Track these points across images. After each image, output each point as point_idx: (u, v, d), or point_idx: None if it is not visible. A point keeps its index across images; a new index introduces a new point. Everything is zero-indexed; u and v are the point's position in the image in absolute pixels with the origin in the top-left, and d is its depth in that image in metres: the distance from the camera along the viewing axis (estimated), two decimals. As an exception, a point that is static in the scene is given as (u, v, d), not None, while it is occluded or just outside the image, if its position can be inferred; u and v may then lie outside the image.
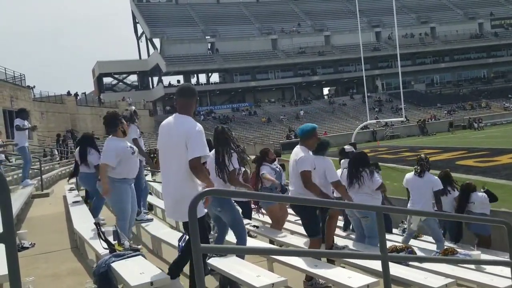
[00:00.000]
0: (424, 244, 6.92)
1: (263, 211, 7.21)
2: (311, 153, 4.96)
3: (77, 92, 40.33)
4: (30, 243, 5.55)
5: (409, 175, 6.87)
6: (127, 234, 4.95)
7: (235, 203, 4.75)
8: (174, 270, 3.68)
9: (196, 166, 3.34)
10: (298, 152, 4.85)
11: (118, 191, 4.89)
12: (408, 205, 6.81)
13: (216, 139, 4.61)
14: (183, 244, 3.91)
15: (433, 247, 6.59)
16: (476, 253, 5.80)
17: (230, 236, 5.06)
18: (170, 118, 3.61)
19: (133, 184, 5.15)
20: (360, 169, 5.91)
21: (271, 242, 6.14)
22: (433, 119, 50.93)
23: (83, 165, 6.53)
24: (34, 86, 31.98)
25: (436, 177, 6.76)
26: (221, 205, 4.47)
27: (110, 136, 5.03)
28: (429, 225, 6.57)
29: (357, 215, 6.01)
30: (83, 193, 8.60)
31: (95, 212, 6.48)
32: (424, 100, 58.68)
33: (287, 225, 7.03)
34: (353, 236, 6.57)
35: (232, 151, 4.62)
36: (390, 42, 61.02)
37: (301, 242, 5.55)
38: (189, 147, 3.34)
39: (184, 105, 3.55)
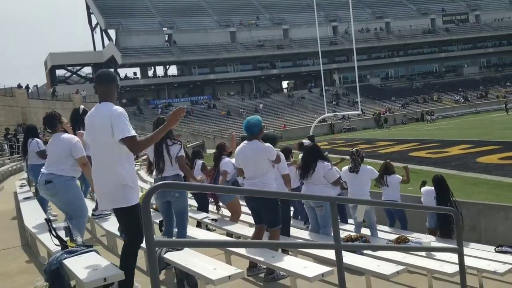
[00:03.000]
0: (379, 234, 7.12)
1: (221, 205, 7.20)
2: None
3: (28, 85, 38.70)
4: (-23, 241, 5.32)
5: (346, 169, 7.06)
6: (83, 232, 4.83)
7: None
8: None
9: (133, 146, 3.25)
10: (256, 144, 4.84)
11: (76, 188, 4.74)
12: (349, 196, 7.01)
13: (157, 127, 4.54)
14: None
15: (386, 236, 6.80)
16: (426, 241, 6.03)
17: (189, 231, 5.05)
18: (92, 110, 3.49)
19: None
20: (314, 161, 6.03)
21: (229, 235, 6.16)
22: (387, 112, 52.32)
23: (29, 156, 6.44)
24: (-19, 78, 30.49)
25: (369, 167, 7.03)
26: (180, 192, 4.54)
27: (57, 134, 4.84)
28: (369, 216, 6.80)
29: (311, 204, 6.14)
30: (34, 189, 8.31)
31: (42, 205, 6.27)
32: (379, 93, 60.16)
33: (243, 217, 7.06)
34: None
35: (175, 140, 4.78)
36: (346, 37, 62.07)
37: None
38: (115, 130, 3.22)
39: (104, 92, 3.43)
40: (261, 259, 4.34)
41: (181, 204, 4.80)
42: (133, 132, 3.24)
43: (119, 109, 3.31)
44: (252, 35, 62.26)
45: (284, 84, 68.08)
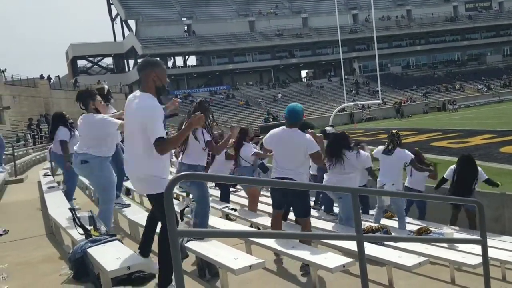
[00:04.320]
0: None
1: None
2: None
3: (49, 75, 39.29)
4: (3, 230, 5.46)
5: (379, 149, 6.92)
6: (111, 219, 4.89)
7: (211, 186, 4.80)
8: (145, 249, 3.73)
9: (162, 149, 3.19)
10: (297, 134, 4.72)
11: (110, 170, 4.75)
12: (378, 178, 6.88)
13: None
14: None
15: (408, 227, 6.73)
16: (449, 232, 5.95)
17: (211, 220, 5.08)
18: (131, 96, 3.43)
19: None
20: (342, 150, 5.91)
21: (251, 225, 6.18)
22: (409, 102, 51.59)
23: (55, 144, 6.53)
24: (5, 69, 31.10)
25: (405, 150, 6.83)
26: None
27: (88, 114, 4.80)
28: (396, 202, 6.68)
29: (332, 196, 6.07)
30: (58, 178, 8.46)
31: (68, 196, 6.39)
32: (400, 82, 59.31)
33: (263, 207, 7.06)
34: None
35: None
36: (367, 25, 61.22)
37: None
38: (148, 128, 3.17)
39: (141, 80, 3.35)
40: (281, 249, 4.34)
41: (196, 193, 4.79)
42: (162, 133, 3.17)
43: (152, 105, 3.23)
44: (271, 24, 61.92)
45: (303, 73, 67.73)
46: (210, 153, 5.93)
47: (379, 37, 47.43)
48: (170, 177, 3.36)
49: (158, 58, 3.50)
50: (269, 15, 63.51)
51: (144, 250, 3.89)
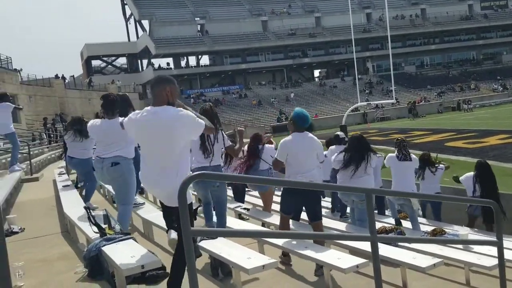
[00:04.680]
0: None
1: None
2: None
3: (63, 75, 39.75)
4: (19, 228, 5.52)
5: (393, 156, 6.88)
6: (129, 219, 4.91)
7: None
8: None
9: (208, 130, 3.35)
10: (313, 139, 4.86)
11: (134, 173, 4.78)
12: (392, 186, 6.86)
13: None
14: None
15: (422, 227, 6.67)
16: (464, 233, 5.89)
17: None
18: (145, 113, 3.31)
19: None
20: (367, 153, 5.88)
21: (263, 224, 6.18)
22: (423, 101, 51.13)
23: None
24: (21, 69, 31.49)
25: (414, 156, 6.96)
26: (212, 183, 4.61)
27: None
28: (408, 208, 6.68)
29: (354, 199, 5.99)
30: (73, 177, 8.55)
31: (87, 196, 6.47)
32: (414, 82, 58.81)
33: (275, 206, 7.06)
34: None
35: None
36: (380, 24, 60.80)
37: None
38: (191, 126, 3.20)
39: (154, 95, 3.31)
40: (294, 249, 4.34)
41: (220, 194, 4.85)
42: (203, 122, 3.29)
43: (179, 111, 3.23)
44: (284, 24, 61.84)
45: (316, 73, 67.50)
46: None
47: (393, 36, 47.12)
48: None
49: (171, 76, 3.50)
50: (282, 14, 63.42)
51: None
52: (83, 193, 6.72)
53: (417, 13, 65.42)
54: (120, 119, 4.69)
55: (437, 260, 4.22)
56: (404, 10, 65.41)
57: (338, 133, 7.84)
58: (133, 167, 4.79)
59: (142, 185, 3.93)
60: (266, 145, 6.96)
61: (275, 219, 5.97)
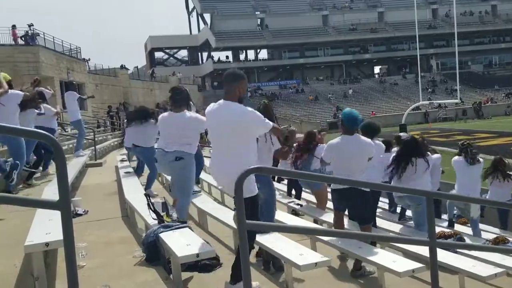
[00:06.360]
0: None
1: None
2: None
3: (125, 65, 41.12)
4: (83, 210, 5.79)
5: (459, 159, 6.61)
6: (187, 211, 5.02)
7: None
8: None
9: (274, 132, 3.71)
10: (366, 141, 4.71)
11: (193, 168, 4.88)
12: (456, 190, 6.60)
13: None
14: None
15: (484, 235, 6.39)
16: (529, 244, 5.57)
17: (277, 215, 5.10)
18: (216, 107, 3.56)
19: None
20: (414, 157, 5.66)
21: (315, 221, 6.15)
22: (489, 102, 48.60)
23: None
24: (89, 59, 33.02)
25: (482, 159, 6.76)
26: (258, 180, 4.55)
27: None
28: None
29: (408, 202, 5.82)
30: (134, 163, 8.88)
31: (148, 183, 6.71)
32: (481, 81, 55.98)
33: (329, 204, 6.99)
34: (411, 223, 6.38)
35: None
36: (447, 20, 58.33)
37: (345, 222, 5.51)
38: (258, 126, 3.45)
39: (226, 89, 3.52)
40: (348, 249, 4.28)
41: (265, 191, 4.80)
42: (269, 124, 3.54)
43: (247, 108, 3.46)
44: (345, 19, 60.77)
45: (376, 69, 65.83)
46: None
47: (460, 33, 45.06)
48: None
49: (242, 72, 3.66)
50: (344, 9, 62.32)
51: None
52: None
53: (487, 10, 62.13)
54: (191, 114, 4.80)
55: (499, 269, 4.03)
56: (473, 6, 62.22)
57: (401, 133, 7.64)
58: (194, 161, 4.89)
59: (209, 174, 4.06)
60: (320, 145, 6.88)
61: (329, 217, 5.91)
